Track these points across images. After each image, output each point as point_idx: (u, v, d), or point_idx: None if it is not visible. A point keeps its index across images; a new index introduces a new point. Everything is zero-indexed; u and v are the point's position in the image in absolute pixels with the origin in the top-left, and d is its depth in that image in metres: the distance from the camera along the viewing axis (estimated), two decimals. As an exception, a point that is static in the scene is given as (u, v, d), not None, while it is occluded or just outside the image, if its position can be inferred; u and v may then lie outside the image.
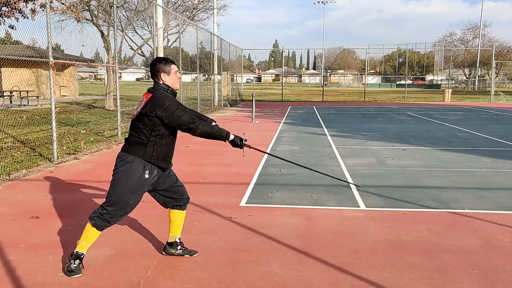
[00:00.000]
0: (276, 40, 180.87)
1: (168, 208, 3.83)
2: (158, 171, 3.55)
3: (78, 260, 3.52)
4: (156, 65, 3.51)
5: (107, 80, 20.38)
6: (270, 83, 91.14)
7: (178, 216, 3.83)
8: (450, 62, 52.65)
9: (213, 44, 23.26)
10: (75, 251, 3.54)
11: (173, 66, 3.54)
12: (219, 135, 3.58)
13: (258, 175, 7.12)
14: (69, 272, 3.49)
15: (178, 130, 3.57)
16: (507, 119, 17.63)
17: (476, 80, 53.94)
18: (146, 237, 4.34)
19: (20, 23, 12.03)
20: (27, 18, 12.06)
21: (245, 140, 3.76)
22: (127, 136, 3.56)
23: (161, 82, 3.50)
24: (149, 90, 3.52)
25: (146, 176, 3.45)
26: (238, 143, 3.69)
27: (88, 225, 3.49)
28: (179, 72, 3.67)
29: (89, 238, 3.51)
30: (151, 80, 3.61)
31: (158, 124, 3.39)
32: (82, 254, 3.54)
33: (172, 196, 3.73)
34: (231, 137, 3.66)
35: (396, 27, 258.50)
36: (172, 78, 3.52)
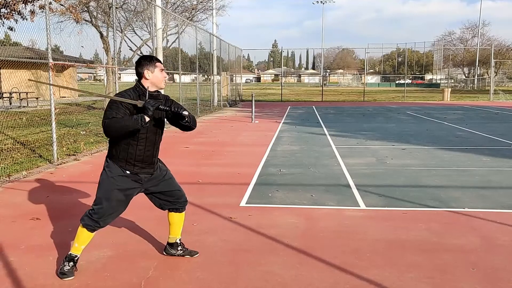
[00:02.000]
0: (275, 40, 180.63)
1: (166, 210, 3.83)
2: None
3: (71, 263, 3.50)
4: (140, 63, 3.44)
5: (107, 81, 20.37)
6: (269, 83, 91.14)
7: (176, 218, 3.82)
8: (449, 61, 52.74)
9: (212, 44, 23.27)
10: (69, 253, 3.54)
11: (158, 63, 3.47)
12: (133, 125, 3.17)
13: (258, 175, 7.13)
14: (61, 274, 3.47)
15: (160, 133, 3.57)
16: (506, 118, 17.65)
17: (475, 79, 53.96)
18: (146, 238, 4.34)
19: (19, 25, 12.02)
20: (26, 19, 12.06)
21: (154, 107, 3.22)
22: None
23: (142, 81, 3.42)
24: None
25: (128, 172, 3.43)
26: (151, 112, 3.19)
27: (80, 226, 3.49)
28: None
29: (81, 240, 3.50)
30: None
31: None
32: (76, 256, 3.53)
33: (167, 199, 3.70)
34: (146, 119, 3.19)
35: (395, 26, 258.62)
36: (156, 76, 3.42)
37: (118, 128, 3.20)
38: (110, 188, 3.40)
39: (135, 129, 3.24)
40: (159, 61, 3.52)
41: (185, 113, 3.34)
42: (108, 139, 3.43)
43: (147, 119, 3.20)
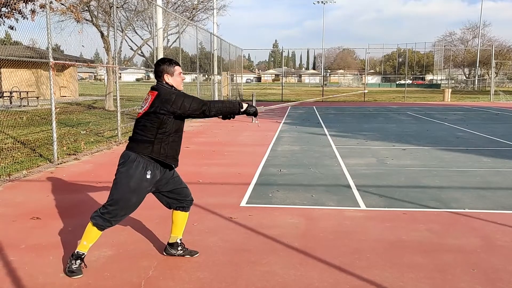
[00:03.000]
0: (275, 40, 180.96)
1: (171, 209, 3.83)
2: (161, 170, 3.55)
3: (79, 260, 3.52)
4: (159, 66, 3.53)
5: (107, 81, 20.37)
6: (270, 83, 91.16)
7: (180, 217, 3.83)
8: (450, 61, 52.68)
9: (213, 44, 23.27)
10: (76, 251, 3.55)
11: (177, 67, 3.55)
12: (232, 107, 3.51)
13: (258, 175, 7.13)
14: (70, 272, 3.49)
15: (183, 128, 3.63)
16: (507, 119, 17.64)
17: (476, 80, 53.92)
18: (147, 238, 4.34)
19: (20, 24, 12.03)
20: (27, 18, 12.06)
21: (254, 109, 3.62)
22: (131, 135, 3.57)
23: (164, 83, 3.52)
24: (153, 88, 3.52)
25: (148, 176, 3.45)
26: (251, 112, 3.59)
27: (90, 224, 3.50)
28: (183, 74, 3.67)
29: (90, 238, 3.52)
30: (152, 80, 3.62)
31: (166, 121, 3.41)
32: (83, 254, 3.54)
33: (176, 197, 3.73)
34: (244, 106, 3.58)
35: (396, 26, 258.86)
36: (175, 79, 3.54)
37: (220, 107, 3.47)
38: (127, 191, 3.41)
39: (231, 112, 3.53)
40: (178, 65, 3.60)
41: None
42: (141, 136, 3.46)
43: (243, 109, 3.56)
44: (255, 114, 3.62)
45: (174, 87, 3.53)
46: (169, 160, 3.52)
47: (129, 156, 3.45)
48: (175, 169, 3.77)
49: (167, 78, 3.51)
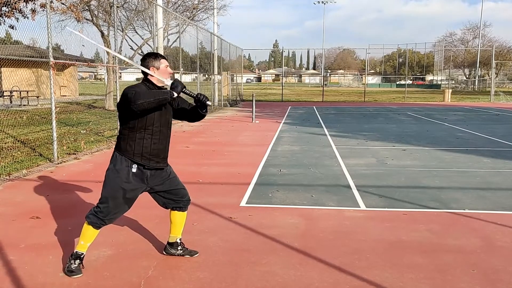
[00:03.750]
0: (276, 40, 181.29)
1: (169, 209, 3.83)
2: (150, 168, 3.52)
3: (78, 260, 3.52)
4: (145, 60, 3.50)
5: (107, 80, 20.36)
6: (270, 83, 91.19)
7: (178, 217, 3.82)
8: (450, 62, 52.67)
9: (213, 44, 23.26)
10: (75, 251, 3.55)
11: (163, 60, 3.52)
12: (163, 95, 3.22)
13: (258, 175, 7.12)
14: (69, 272, 3.49)
15: (169, 128, 3.60)
16: (507, 119, 17.63)
17: (476, 80, 53.94)
18: (146, 237, 4.34)
19: (20, 23, 12.02)
20: (27, 18, 12.05)
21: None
22: None
23: (149, 77, 3.48)
24: None
25: (134, 170, 3.42)
26: (176, 90, 3.28)
27: (85, 224, 3.50)
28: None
29: (87, 237, 3.51)
30: None
31: (124, 116, 3.39)
32: (82, 254, 3.54)
33: (172, 198, 3.71)
34: (175, 94, 3.29)
35: (396, 27, 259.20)
36: (162, 73, 3.49)
37: (146, 98, 3.15)
38: (115, 187, 3.40)
39: (163, 102, 3.26)
40: (164, 58, 3.58)
41: (209, 103, 3.52)
42: (118, 134, 3.49)
43: (175, 94, 3.29)
44: (181, 89, 3.29)
45: (152, 82, 3.45)
46: (136, 158, 3.40)
47: (114, 153, 3.50)
48: (173, 169, 3.76)
49: (153, 72, 3.47)
